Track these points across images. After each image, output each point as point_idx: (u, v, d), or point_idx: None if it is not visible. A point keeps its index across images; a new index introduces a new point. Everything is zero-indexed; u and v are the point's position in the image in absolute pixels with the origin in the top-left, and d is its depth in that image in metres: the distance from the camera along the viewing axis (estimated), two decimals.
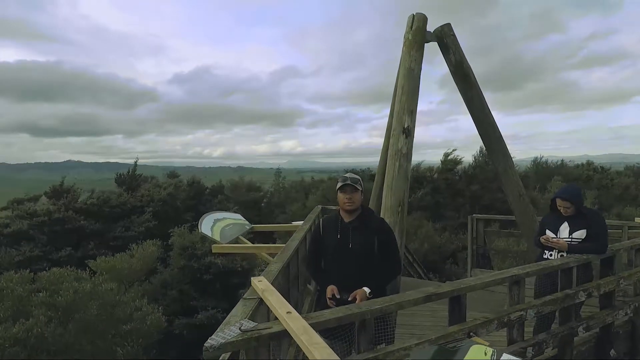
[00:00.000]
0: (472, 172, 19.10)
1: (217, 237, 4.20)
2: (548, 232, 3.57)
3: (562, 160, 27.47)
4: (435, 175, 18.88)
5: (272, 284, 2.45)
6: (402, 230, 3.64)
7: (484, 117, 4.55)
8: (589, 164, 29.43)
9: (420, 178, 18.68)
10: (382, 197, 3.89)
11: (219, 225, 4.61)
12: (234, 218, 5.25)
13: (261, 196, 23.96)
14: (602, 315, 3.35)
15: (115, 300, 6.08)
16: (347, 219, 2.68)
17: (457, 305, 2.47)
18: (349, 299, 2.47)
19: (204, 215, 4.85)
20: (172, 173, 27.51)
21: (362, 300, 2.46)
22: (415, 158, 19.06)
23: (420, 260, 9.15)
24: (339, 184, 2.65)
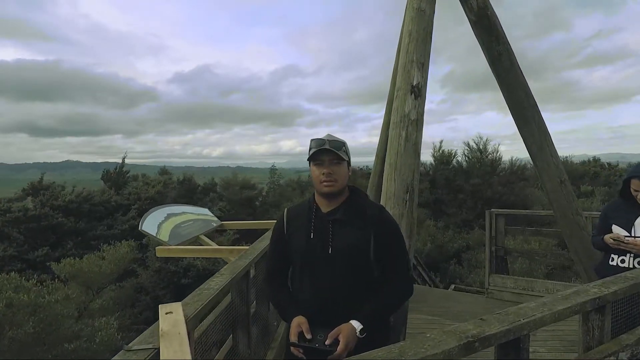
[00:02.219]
0: (467, 167, 18.17)
1: (163, 237, 3.16)
2: (616, 229, 2.53)
3: (567, 157, 26.51)
4: (431, 172, 17.95)
5: (210, 313, 1.43)
6: (412, 226, 2.59)
7: (514, 80, 3.51)
8: (595, 160, 28.51)
9: (422, 172, 17.78)
10: (382, 185, 2.85)
11: (172, 222, 3.57)
12: (197, 213, 4.21)
13: (256, 194, 22.97)
14: None
15: (63, 314, 5.02)
16: (325, 207, 1.68)
17: (512, 354, 1.44)
18: (327, 344, 1.46)
19: (153, 208, 3.81)
20: (163, 170, 26.51)
21: (349, 344, 1.45)
22: None
23: (423, 262, 8.16)
24: (312, 150, 1.64)
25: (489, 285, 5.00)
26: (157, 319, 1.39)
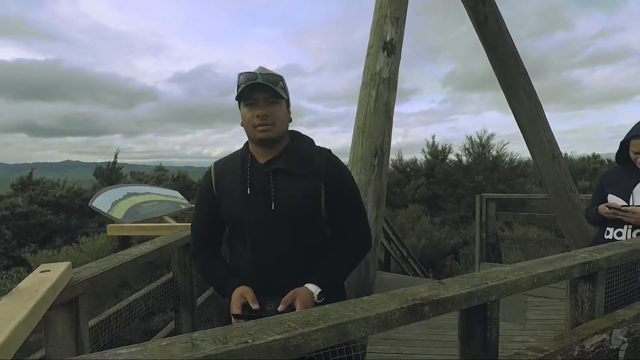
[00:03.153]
0: (467, 162, 17.85)
1: (117, 215, 2.87)
2: (612, 198, 2.24)
3: (566, 153, 26.19)
4: (424, 166, 17.69)
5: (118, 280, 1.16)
6: (381, 194, 2.29)
7: (502, 46, 3.22)
8: (595, 156, 28.15)
9: (415, 168, 17.53)
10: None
11: (131, 201, 3.28)
12: (164, 194, 3.91)
13: None
14: None
15: None
16: (262, 157, 1.38)
17: (478, 324, 1.15)
18: (280, 310, 1.20)
19: (111, 186, 3.52)
20: (159, 167, 26.31)
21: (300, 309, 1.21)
22: (411, 155, 17.93)
23: (417, 258, 7.88)
24: (241, 87, 1.32)
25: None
26: None
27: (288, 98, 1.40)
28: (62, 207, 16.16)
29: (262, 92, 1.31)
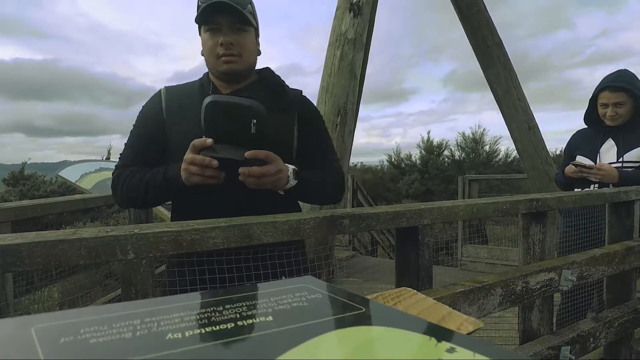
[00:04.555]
0: (460, 157, 17.86)
1: (85, 185, 2.83)
2: (580, 159, 2.20)
3: (561, 150, 26.20)
4: (418, 162, 17.68)
5: None
6: (343, 152, 2.22)
7: (477, 15, 3.16)
8: None
9: (409, 163, 17.53)
10: None
11: (103, 175, 3.23)
12: None
13: None
14: None
15: None
16: (225, 88, 1.20)
17: (411, 248, 1.11)
18: (246, 157, 0.94)
19: (85, 160, 3.47)
20: None
21: (281, 168, 1.00)
22: (408, 153, 17.99)
23: None
24: (201, 7, 1.11)
25: (461, 256, 4.68)
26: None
27: (257, 27, 1.21)
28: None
29: (227, 16, 1.11)
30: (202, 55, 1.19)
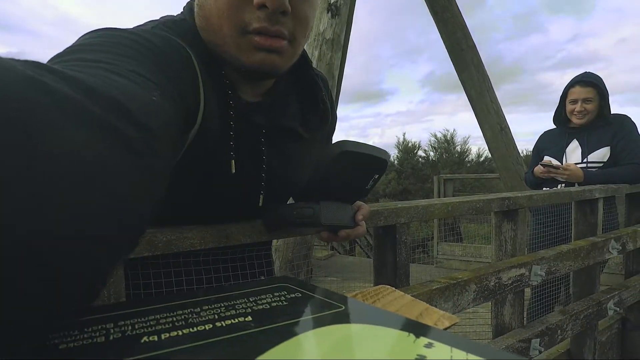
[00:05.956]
0: (434, 157, 18.31)
1: None
2: (547, 159, 2.29)
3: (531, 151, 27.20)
4: (396, 162, 18.02)
5: None
6: None
7: (451, 19, 3.24)
8: None
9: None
10: None
11: None
12: None
13: None
14: None
15: None
16: (247, 89, 0.63)
17: (389, 247, 1.12)
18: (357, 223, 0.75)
19: None
20: None
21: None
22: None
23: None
24: None
25: (437, 254, 4.78)
26: None
27: None
28: None
29: None
30: (200, 15, 0.57)
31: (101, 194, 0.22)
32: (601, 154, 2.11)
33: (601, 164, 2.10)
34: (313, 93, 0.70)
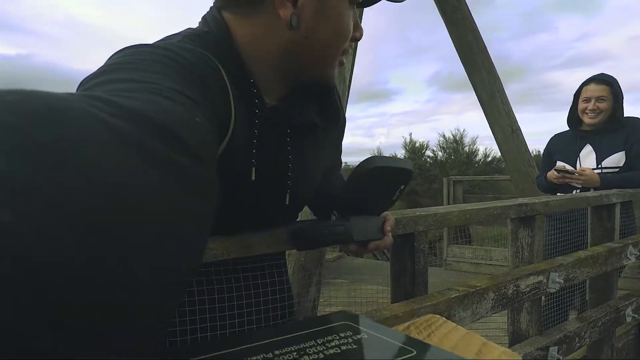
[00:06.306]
0: (442, 157, 18.21)
1: None
2: (560, 164, 2.26)
3: (539, 151, 27.01)
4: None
5: None
6: None
7: (462, 21, 3.22)
8: None
9: None
10: None
11: None
12: None
13: None
14: None
15: None
16: (270, 88, 0.66)
17: (407, 255, 1.12)
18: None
19: None
20: None
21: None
22: (392, 154, 18.17)
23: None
24: None
25: (447, 256, 4.75)
26: None
27: None
28: None
29: None
30: (308, 34, 0.60)
31: (170, 229, 0.23)
32: (616, 159, 2.08)
33: (617, 169, 2.07)
34: (325, 92, 0.74)
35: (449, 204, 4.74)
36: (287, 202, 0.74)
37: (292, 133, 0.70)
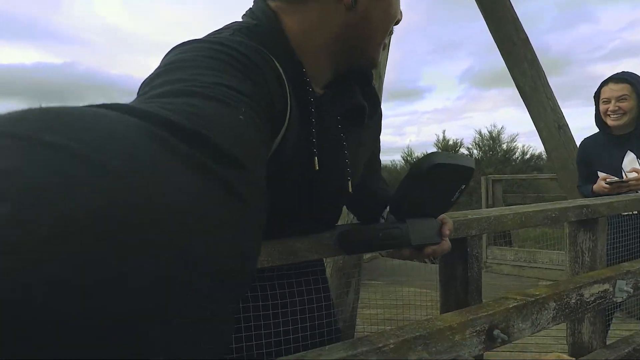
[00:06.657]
0: (478, 155, 17.61)
1: None
2: (602, 174, 2.06)
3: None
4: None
5: None
6: None
7: (501, 10, 3.03)
8: None
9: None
10: None
11: None
12: None
13: None
14: None
15: None
16: (317, 76, 0.65)
17: (459, 260, 1.04)
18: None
19: None
20: None
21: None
22: (424, 152, 17.83)
23: None
24: None
25: (486, 258, 4.55)
26: None
27: None
28: None
29: None
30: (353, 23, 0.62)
31: (226, 243, 0.23)
32: None
33: None
34: (369, 78, 0.74)
35: (487, 203, 4.54)
36: (350, 190, 0.71)
37: (342, 120, 0.69)
